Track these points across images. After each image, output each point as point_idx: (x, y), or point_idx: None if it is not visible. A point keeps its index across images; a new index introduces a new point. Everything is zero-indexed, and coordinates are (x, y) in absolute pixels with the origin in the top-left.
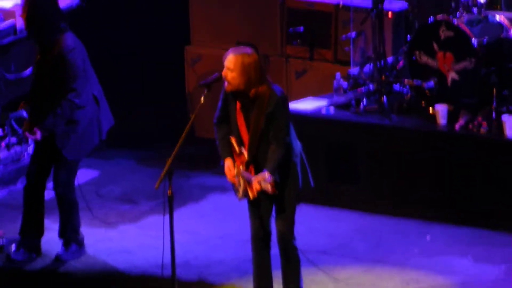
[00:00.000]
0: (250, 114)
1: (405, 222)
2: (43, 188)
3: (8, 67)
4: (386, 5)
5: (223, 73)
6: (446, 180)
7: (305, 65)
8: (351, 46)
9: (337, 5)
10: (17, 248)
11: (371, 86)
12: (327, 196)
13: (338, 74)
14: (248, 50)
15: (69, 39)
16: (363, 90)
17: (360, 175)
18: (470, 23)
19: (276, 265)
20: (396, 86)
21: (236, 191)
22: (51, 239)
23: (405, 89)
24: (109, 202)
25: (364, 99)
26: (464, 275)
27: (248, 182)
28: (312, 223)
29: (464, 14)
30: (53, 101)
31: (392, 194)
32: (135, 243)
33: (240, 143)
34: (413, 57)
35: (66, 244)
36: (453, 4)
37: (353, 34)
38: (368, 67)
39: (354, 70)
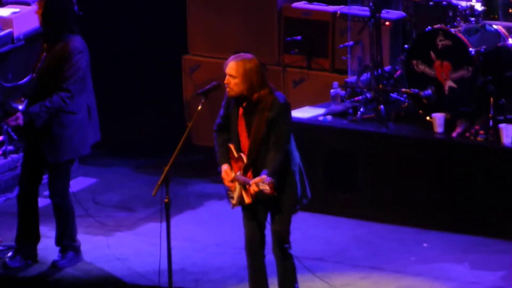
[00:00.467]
0: (252, 119)
1: (402, 230)
2: (36, 195)
3: (6, 75)
4: (383, 14)
5: (226, 80)
6: (443, 188)
7: (303, 74)
8: (348, 55)
9: (335, 14)
10: (14, 255)
11: (368, 95)
12: (324, 204)
13: (335, 83)
14: (248, 55)
15: (78, 42)
16: (360, 99)
17: (358, 183)
18: (467, 32)
19: (272, 272)
20: (394, 95)
21: (230, 198)
22: (48, 246)
23: (402, 98)
24: (107, 209)
25: (361, 108)
26: (461, 282)
27: (244, 186)
28: (309, 230)
29: (462, 23)
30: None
31: (389, 202)
32: (132, 250)
33: (239, 149)
34: (411, 65)
35: (63, 251)
36: (450, 13)
37: (351, 43)
38: (365, 76)
39: (351, 79)
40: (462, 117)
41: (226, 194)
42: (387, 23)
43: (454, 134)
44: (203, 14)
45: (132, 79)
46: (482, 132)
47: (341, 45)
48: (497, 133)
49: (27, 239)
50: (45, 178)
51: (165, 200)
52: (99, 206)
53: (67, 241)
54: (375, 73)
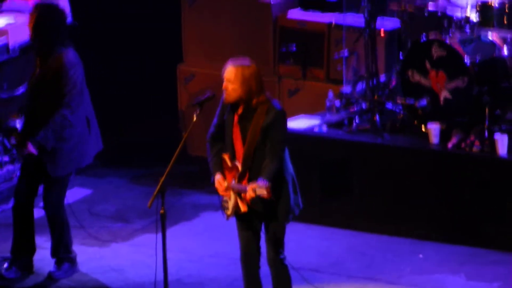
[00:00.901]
0: (247, 126)
1: (398, 241)
2: (31, 206)
3: (1, 86)
4: (378, 24)
5: (224, 86)
6: (438, 199)
7: (298, 84)
8: (343, 65)
9: (330, 24)
10: (9, 266)
11: (363, 105)
12: (320, 214)
13: (330, 93)
14: (247, 61)
15: (71, 55)
16: (355, 109)
17: (353, 193)
18: (462, 42)
19: (269, 284)
20: (389, 105)
21: (225, 208)
22: (44, 257)
23: (397, 108)
24: (102, 220)
25: (356, 118)
26: None
27: (240, 194)
28: (305, 241)
29: (457, 33)
30: (48, 115)
31: (384, 213)
32: (127, 261)
33: (233, 157)
34: (406, 76)
35: (58, 263)
36: (445, 23)
37: (346, 53)
38: (360, 86)
39: (346, 89)
40: (458, 128)
41: (220, 205)
42: (382, 32)
43: (449, 145)
44: (198, 24)
45: (127, 89)
46: (477, 142)
47: (336, 55)
48: (492, 144)
49: (23, 250)
50: (40, 188)
51: (161, 211)
52: (95, 217)
53: (62, 253)
54: (370, 83)
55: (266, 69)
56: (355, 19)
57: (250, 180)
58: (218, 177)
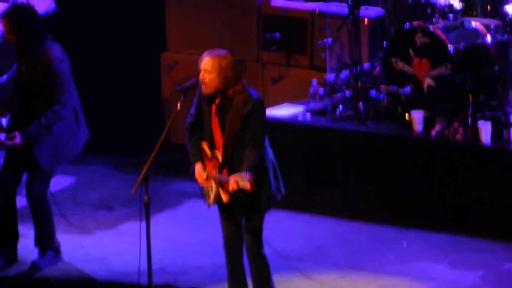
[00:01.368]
0: (226, 116)
1: (382, 228)
2: (14, 195)
3: None
4: (362, 11)
5: (200, 76)
6: (422, 186)
7: (281, 72)
8: (327, 53)
9: (313, 11)
10: None
11: (347, 93)
12: (304, 202)
13: (314, 81)
14: (223, 51)
15: (57, 51)
16: (339, 97)
17: (337, 181)
18: (446, 29)
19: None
20: (372, 93)
21: (207, 197)
22: (27, 246)
23: (381, 96)
24: (86, 208)
25: (340, 106)
26: (441, 281)
27: (222, 184)
28: (288, 228)
29: (440, 20)
30: (38, 111)
31: (368, 200)
32: (111, 249)
33: (213, 147)
34: (389, 63)
35: (42, 252)
36: (429, 11)
37: (329, 40)
38: (344, 74)
39: (330, 76)
40: (441, 115)
41: (202, 193)
42: (365, 20)
43: (433, 132)
44: (181, 11)
45: (110, 77)
46: (461, 130)
47: (320, 42)
48: (476, 131)
49: (6, 239)
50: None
51: (145, 199)
52: (79, 205)
53: (46, 242)
54: (354, 70)
55: (249, 57)
56: (339, 7)
57: (231, 170)
58: (198, 168)
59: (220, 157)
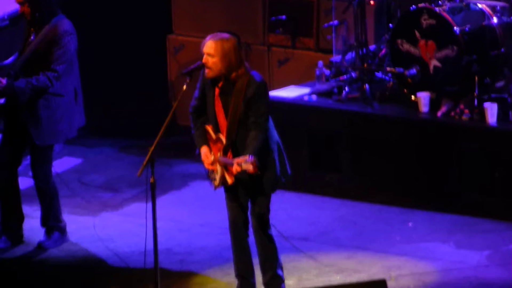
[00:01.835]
0: (229, 99)
1: (387, 209)
2: (15, 174)
3: None
4: None
5: (204, 60)
6: (428, 168)
7: (287, 54)
8: (333, 35)
9: None
10: None
11: (353, 74)
12: (309, 184)
13: (320, 62)
14: (225, 35)
15: (67, 24)
16: (345, 78)
17: (343, 162)
18: (452, 11)
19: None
20: (378, 74)
21: (212, 179)
22: (33, 227)
23: (387, 77)
24: (92, 189)
25: (346, 87)
26: (446, 262)
27: (226, 167)
28: (294, 210)
29: (446, 2)
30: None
31: (374, 182)
32: (117, 230)
33: (217, 130)
34: (395, 45)
35: (48, 232)
36: None
37: (335, 22)
38: (350, 55)
39: (336, 58)
40: (447, 97)
41: (207, 176)
42: (371, 2)
43: (439, 114)
44: None
45: (117, 59)
46: (467, 111)
47: (326, 25)
48: (482, 112)
49: (11, 219)
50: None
51: (151, 180)
52: (85, 187)
53: (52, 222)
54: (360, 52)
55: (255, 39)
56: None
57: (235, 152)
58: (204, 150)
59: (224, 140)
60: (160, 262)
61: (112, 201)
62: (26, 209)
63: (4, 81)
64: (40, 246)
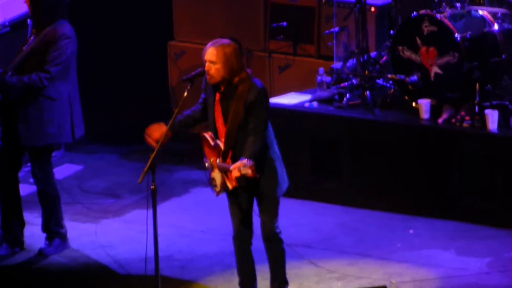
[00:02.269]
0: (230, 104)
1: (389, 216)
2: (16, 181)
3: None
4: (369, 0)
5: (206, 67)
6: (429, 174)
7: (288, 60)
8: (334, 41)
9: (320, 0)
10: (0, 243)
11: (354, 81)
12: (310, 191)
13: (321, 69)
14: (226, 40)
15: (67, 28)
16: (346, 85)
17: (344, 169)
18: (453, 18)
19: (260, 259)
20: (379, 81)
21: (213, 186)
22: (34, 234)
23: (388, 84)
24: (93, 196)
25: (347, 94)
26: (448, 268)
27: (226, 172)
28: (296, 217)
29: (447, 9)
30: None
31: (375, 188)
32: (118, 237)
33: (216, 136)
34: (396, 52)
35: (49, 238)
36: None
37: (336, 29)
38: (351, 62)
39: (337, 65)
40: (448, 103)
41: (209, 182)
42: (372, 9)
43: (440, 120)
44: (188, 0)
45: (118, 65)
46: (468, 118)
47: (327, 31)
48: (483, 119)
49: (12, 225)
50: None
51: (152, 187)
52: (85, 193)
53: (53, 227)
54: (361, 59)
55: (256, 45)
56: None
57: (234, 158)
58: (157, 126)
59: (222, 146)
60: (161, 268)
61: (113, 208)
62: (27, 216)
63: None
64: (41, 253)
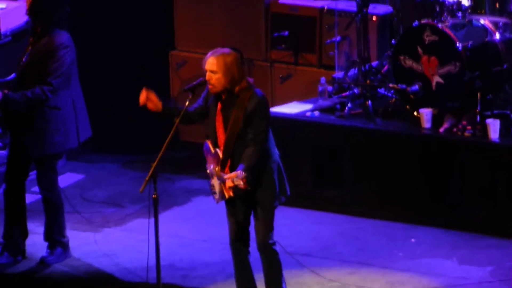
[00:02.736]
0: (230, 114)
1: (390, 225)
2: (22, 190)
3: None
4: (370, 9)
5: (207, 77)
6: (430, 183)
7: (290, 70)
8: (335, 51)
9: (322, 9)
10: (1, 251)
11: (356, 90)
12: (311, 200)
13: (323, 79)
14: (226, 49)
15: (64, 37)
16: (348, 94)
17: (345, 178)
18: (454, 27)
19: (259, 268)
20: (381, 90)
21: (213, 193)
22: (36, 242)
23: (389, 93)
24: (94, 205)
25: (349, 103)
26: (449, 278)
27: (222, 181)
28: (296, 226)
29: (449, 18)
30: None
31: (377, 198)
32: (120, 246)
33: (216, 145)
34: (398, 61)
35: (51, 247)
36: (437, 8)
37: (338, 38)
38: (352, 71)
39: (338, 74)
40: (450, 113)
41: (210, 190)
42: (374, 18)
43: (441, 130)
44: (190, 9)
45: (119, 75)
46: (469, 127)
47: (328, 41)
48: (484, 129)
49: (15, 234)
50: (33, 174)
51: (153, 196)
52: (87, 202)
53: (56, 236)
54: (363, 68)
55: (258, 55)
56: (347, 4)
57: (232, 167)
58: (150, 95)
59: (221, 155)
60: (163, 277)
61: (115, 217)
62: (29, 224)
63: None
64: (43, 262)
